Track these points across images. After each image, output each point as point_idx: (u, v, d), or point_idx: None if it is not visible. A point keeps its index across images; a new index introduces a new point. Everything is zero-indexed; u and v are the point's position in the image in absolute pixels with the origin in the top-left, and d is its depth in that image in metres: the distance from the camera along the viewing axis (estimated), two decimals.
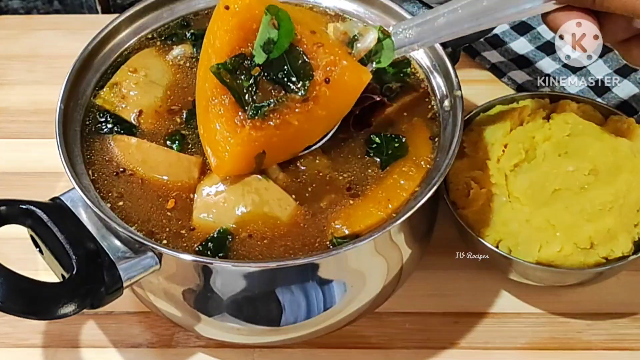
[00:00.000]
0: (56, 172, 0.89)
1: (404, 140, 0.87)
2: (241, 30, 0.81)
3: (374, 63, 0.84)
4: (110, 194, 0.83)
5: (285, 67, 0.81)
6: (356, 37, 0.84)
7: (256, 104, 0.80)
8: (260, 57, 0.81)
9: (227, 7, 0.81)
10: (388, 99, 0.90)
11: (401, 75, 0.93)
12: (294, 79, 0.81)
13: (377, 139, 0.87)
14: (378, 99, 0.88)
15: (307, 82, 0.81)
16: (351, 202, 0.82)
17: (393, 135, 0.88)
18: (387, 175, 0.84)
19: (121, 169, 0.85)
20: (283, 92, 0.81)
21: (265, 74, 0.81)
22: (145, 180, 0.84)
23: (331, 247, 0.79)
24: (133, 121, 0.88)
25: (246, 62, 0.81)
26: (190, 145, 0.87)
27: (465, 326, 0.93)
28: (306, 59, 0.81)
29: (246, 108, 0.80)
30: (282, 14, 0.80)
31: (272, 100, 0.80)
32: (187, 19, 0.99)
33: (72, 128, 0.87)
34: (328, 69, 0.81)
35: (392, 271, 0.86)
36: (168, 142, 0.87)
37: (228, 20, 0.81)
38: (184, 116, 0.89)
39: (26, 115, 1.17)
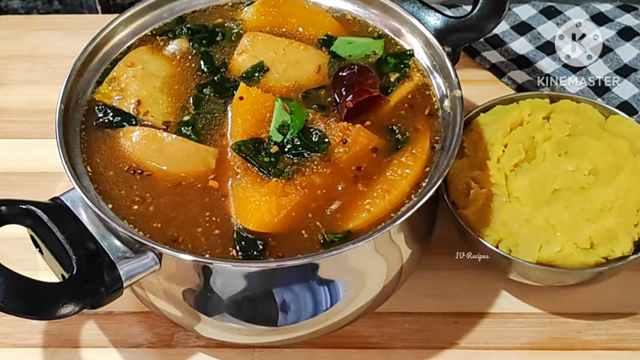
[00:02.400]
0: (56, 172, 0.89)
1: (406, 134, 0.88)
2: (255, 117, 0.87)
3: None
4: (116, 192, 0.83)
5: (302, 142, 0.85)
6: None
7: (278, 168, 0.84)
8: (277, 137, 0.86)
9: (241, 98, 0.88)
10: (386, 90, 0.91)
11: (402, 66, 0.93)
12: (312, 148, 0.85)
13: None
14: (375, 93, 0.88)
15: (325, 147, 0.85)
16: (360, 188, 0.83)
17: (393, 127, 0.88)
18: (385, 168, 0.85)
19: (132, 164, 0.85)
20: (303, 158, 0.85)
21: (285, 149, 0.85)
22: (158, 173, 0.84)
23: (322, 241, 0.80)
24: (132, 112, 0.89)
25: (264, 144, 0.85)
26: (202, 131, 0.88)
27: (465, 326, 0.93)
28: (320, 132, 0.86)
29: (270, 176, 0.83)
30: (294, 102, 0.89)
31: (294, 163, 0.84)
32: (184, 16, 0.99)
33: (72, 128, 0.87)
34: (343, 132, 0.86)
35: (392, 271, 0.86)
36: (183, 130, 0.87)
37: (243, 109, 0.87)
38: (191, 101, 0.90)
39: (26, 115, 1.17)
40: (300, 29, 0.96)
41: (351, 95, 0.87)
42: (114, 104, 0.89)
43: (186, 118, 0.89)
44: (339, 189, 0.83)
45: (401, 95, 0.91)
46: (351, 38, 0.96)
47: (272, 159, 0.84)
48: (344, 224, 0.81)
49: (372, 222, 0.81)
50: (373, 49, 0.95)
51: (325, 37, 0.95)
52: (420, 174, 0.84)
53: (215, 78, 0.92)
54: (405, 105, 0.91)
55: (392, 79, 0.92)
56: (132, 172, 0.84)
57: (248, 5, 0.99)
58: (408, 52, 0.94)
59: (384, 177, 0.84)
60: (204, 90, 0.91)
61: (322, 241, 0.80)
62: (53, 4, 1.40)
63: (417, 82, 0.92)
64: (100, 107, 0.89)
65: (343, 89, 0.88)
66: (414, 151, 0.85)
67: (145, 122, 0.88)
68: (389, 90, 0.91)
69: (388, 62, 0.94)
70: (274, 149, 0.85)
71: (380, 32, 0.97)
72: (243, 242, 0.79)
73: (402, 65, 0.93)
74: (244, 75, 0.92)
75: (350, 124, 0.86)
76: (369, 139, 0.86)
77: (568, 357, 0.91)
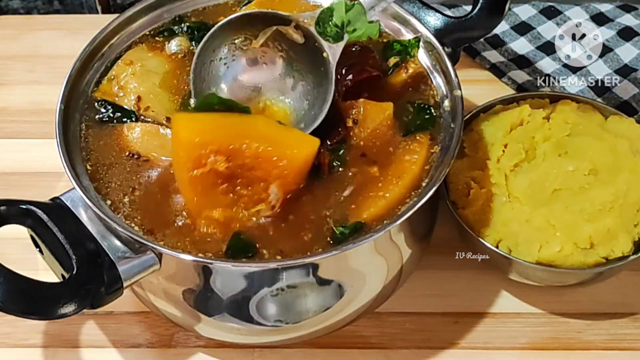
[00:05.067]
0: (56, 172, 0.89)
1: (434, 113, 0.88)
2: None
3: (349, 34, 0.84)
4: (116, 191, 0.83)
5: None
6: (325, 17, 0.84)
7: None
8: None
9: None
10: (387, 72, 0.92)
11: (406, 54, 0.93)
12: None
13: (410, 108, 0.88)
14: (375, 73, 0.89)
15: None
16: (371, 171, 0.83)
17: (425, 105, 0.88)
18: (394, 157, 0.85)
19: (135, 156, 0.85)
20: None
21: None
22: (161, 168, 0.85)
23: (331, 237, 0.80)
24: (132, 108, 0.89)
25: None
26: None
27: (465, 326, 0.93)
28: None
29: None
30: None
31: None
32: (182, 15, 0.99)
33: (72, 128, 0.87)
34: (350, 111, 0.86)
35: (392, 271, 0.86)
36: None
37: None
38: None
39: (26, 115, 1.17)
40: None
41: (351, 75, 0.88)
42: (115, 102, 0.89)
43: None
44: (350, 174, 0.83)
45: (402, 78, 0.92)
46: None
47: None
48: (357, 212, 0.81)
49: (387, 210, 0.81)
50: (368, 33, 0.95)
51: None
52: (427, 158, 0.84)
53: None
54: (409, 89, 0.91)
55: (389, 64, 0.93)
56: (132, 165, 0.84)
57: (245, 5, 0.99)
58: (414, 41, 0.94)
59: (395, 162, 0.84)
60: None
61: (331, 236, 0.80)
62: (53, 4, 1.40)
63: (418, 68, 0.93)
64: (100, 103, 0.89)
65: (343, 69, 0.89)
66: (417, 137, 0.86)
67: (146, 118, 0.88)
68: (386, 72, 0.92)
69: (394, 47, 0.94)
70: None
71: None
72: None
73: (406, 54, 0.93)
74: None
75: (354, 100, 0.86)
76: (381, 110, 0.86)
77: (568, 357, 0.91)
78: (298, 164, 0.79)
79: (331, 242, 0.79)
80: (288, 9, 0.97)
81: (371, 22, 0.96)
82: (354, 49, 0.91)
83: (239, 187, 0.79)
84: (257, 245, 0.79)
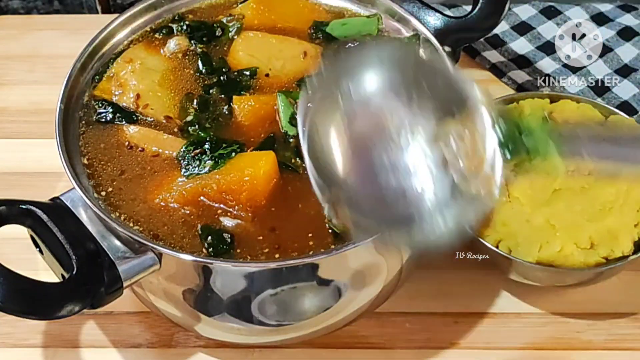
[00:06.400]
0: (56, 172, 0.89)
1: None
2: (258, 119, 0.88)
3: None
4: (116, 191, 0.83)
5: None
6: None
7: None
8: (291, 130, 0.86)
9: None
10: None
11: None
12: None
13: None
14: None
15: None
16: None
17: None
18: None
19: (132, 147, 0.86)
20: None
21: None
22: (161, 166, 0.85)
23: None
24: (131, 106, 0.88)
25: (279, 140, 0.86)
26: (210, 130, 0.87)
27: (465, 326, 0.93)
28: None
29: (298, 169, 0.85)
30: (294, 92, 0.89)
31: None
32: (182, 14, 0.99)
33: (72, 128, 0.87)
34: None
35: (392, 271, 0.86)
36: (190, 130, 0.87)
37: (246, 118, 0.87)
38: (195, 103, 0.89)
39: (26, 115, 1.16)
40: (295, 25, 0.96)
41: None
42: (114, 100, 0.89)
43: (190, 118, 0.88)
44: None
45: None
46: (345, 19, 0.97)
47: (294, 152, 0.85)
48: None
49: None
50: (367, 29, 0.95)
51: (318, 23, 0.96)
52: None
53: (222, 78, 0.92)
54: None
55: None
56: (133, 164, 0.85)
57: (242, 3, 0.99)
58: (413, 36, 0.94)
59: None
60: (210, 91, 0.91)
61: (331, 232, 0.80)
62: (53, 4, 1.40)
63: None
64: (99, 103, 0.89)
65: None
66: None
67: (145, 116, 0.88)
68: None
69: None
70: (294, 142, 0.85)
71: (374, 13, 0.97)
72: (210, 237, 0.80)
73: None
74: (243, 71, 0.92)
75: None
76: None
77: (568, 357, 0.91)
78: (260, 181, 0.80)
79: (331, 237, 0.79)
80: (286, 9, 0.98)
81: (369, 17, 0.97)
82: (353, 44, 0.92)
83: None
84: (260, 238, 0.79)
